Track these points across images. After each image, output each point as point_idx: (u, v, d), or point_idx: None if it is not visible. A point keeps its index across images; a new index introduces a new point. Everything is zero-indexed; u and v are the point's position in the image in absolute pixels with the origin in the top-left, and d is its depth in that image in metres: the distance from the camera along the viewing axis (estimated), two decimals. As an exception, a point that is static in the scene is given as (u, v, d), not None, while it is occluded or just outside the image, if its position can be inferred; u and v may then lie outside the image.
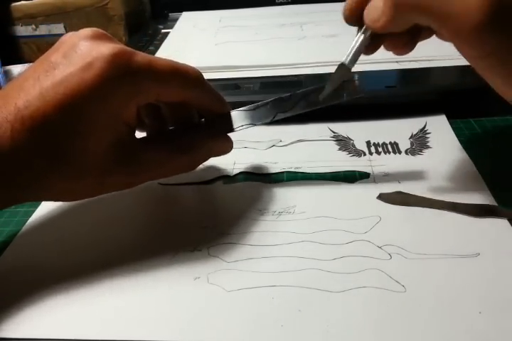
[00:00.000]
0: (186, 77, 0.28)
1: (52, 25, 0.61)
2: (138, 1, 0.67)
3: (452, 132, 0.38)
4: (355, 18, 0.28)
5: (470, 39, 0.24)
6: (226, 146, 0.31)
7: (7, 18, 0.60)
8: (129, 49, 0.26)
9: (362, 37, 0.28)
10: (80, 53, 0.25)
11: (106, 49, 0.25)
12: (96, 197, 0.29)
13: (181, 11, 0.70)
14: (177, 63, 0.28)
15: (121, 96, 0.26)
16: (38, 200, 0.28)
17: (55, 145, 0.25)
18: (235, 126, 0.31)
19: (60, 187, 0.26)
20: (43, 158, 0.25)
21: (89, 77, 0.24)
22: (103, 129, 0.26)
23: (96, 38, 0.26)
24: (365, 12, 0.26)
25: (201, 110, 0.31)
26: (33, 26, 0.61)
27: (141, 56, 0.26)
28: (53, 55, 0.26)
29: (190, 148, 0.30)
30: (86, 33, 0.26)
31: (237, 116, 0.31)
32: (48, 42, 0.60)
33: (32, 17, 0.60)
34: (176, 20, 0.67)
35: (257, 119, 0.31)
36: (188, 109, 0.31)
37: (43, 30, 0.61)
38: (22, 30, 0.61)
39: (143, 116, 0.31)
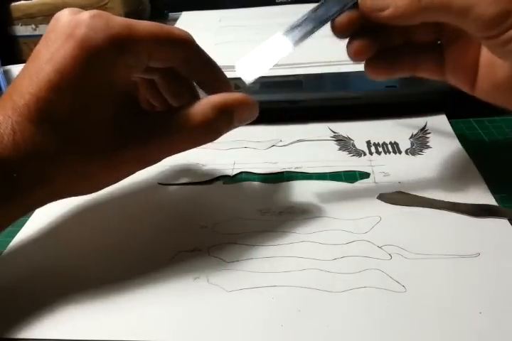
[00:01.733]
0: (172, 35, 0.27)
1: (52, 25, 0.61)
2: (138, 1, 0.67)
3: (452, 132, 0.38)
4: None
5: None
6: (251, 109, 0.28)
7: (7, 18, 0.60)
8: (107, 13, 0.26)
9: None
10: (59, 30, 0.25)
11: (83, 16, 0.25)
12: (95, 196, 0.28)
13: (181, 11, 0.70)
14: (163, 24, 0.27)
15: (107, 56, 0.25)
16: (56, 198, 0.26)
17: (57, 127, 0.24)
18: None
19: (74, 171, 0.25)
20: (47, 144, 0.24)
21: (72, 46, 0.24)
22: (101, 98, 0.25)
23: (73, 12, 0.26)
24: None
25: (199, 81, 0.30)
26: (33, 26, 0.61)
27: (120, 17, 0.26)
28: (38, 44, 0.26)
29: (201, 114, 0.26)
30: (62, 13, 0.26)
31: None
32: (47, 42, 0.60)
33: (31, 17, 0.60)
34: (176, 20, 0.67)
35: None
36: (188, 83, 0.30)
37: (43, 30, 0.61)
38: (22, 29, 0.61)
39: (148, 97, 0.31)
